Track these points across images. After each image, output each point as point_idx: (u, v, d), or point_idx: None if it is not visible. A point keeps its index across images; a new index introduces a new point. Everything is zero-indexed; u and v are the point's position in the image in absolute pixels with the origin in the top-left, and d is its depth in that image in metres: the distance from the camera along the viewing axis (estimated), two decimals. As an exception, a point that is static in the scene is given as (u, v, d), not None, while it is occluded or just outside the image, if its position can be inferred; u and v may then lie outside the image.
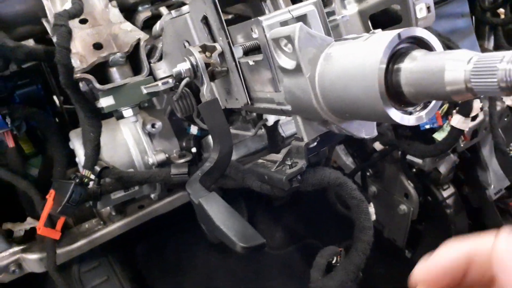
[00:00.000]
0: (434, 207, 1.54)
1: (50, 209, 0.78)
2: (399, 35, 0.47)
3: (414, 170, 1.51)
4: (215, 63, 0.72)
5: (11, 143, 1.06)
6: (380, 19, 0.99)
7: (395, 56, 0.47)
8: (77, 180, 0.78)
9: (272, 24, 0.63)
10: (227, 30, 0.70)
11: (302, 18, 0.64)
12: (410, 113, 0.49)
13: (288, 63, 0.58)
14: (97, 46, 0.85)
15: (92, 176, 0.81)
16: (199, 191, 0.65)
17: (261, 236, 0.56)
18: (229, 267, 1.85)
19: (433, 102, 0.49)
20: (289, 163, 0.66)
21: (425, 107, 0.51)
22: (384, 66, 0.46)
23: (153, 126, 0.98)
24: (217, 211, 0.59)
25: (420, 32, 0.48)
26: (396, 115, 0.47)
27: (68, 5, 0.83)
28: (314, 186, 0.67)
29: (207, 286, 1.80)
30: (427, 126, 1.33)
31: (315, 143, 0.66)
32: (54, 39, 0.86)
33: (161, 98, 1.09)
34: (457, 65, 0.41)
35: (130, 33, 0.84)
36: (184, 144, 1.07)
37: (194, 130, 1.04)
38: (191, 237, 1.84)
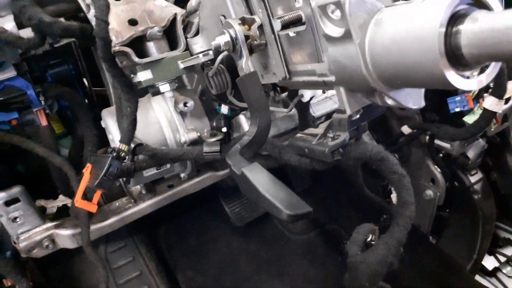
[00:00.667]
0: (461, 193, 1.52)
1: (88, 182, 0.79)
2: (459, -4, 0.45)
3: (441, 155, 1.48)
4: (254, 36, 0.71)
5: (44, 122, 1.08)
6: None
7: (454, 18, 0.46)
8: (114, 154, 0.78)
9: (317, -8, 0.61)
10: (267, 2, 0.70)
11: (347, -13, 0.63)
12: (467, 77, 0.48)
13: (335, 30, 0.57)
14: (132, 22, 0.84)
15: (128, 151, 0.81)
16: (240, 162, 0.65)
17: (307, 204, 0.56)
18: (251, 250, 1.86)
19: (492, 64, 0.48)
20: (331, 136, 0.65)
21: (481, 72, 0.49)
22: (444, 29, 0.45)
23: (185, 104, 0.98)
24: (261, 180, 0.58)
25: (480, -8, 0.47)
26: (455, 79, 0.46)
27: (104, -19, 0.83)
28: (355, 159, 0.66)
29: (228, 268, 1.81)
30: (457, 109, 1.31)
31: (358, 116, 0.65)
32: (91, 14, 0.86)
33: (192, 78, 1.09)
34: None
35: (165, 8, 0.84)
36: (214, 124, 1.07)
37: (224, 109, 1.04)
38: (213, 219, 1.85)
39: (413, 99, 0.60)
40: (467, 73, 0.48)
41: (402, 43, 0.49)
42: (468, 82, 0.47)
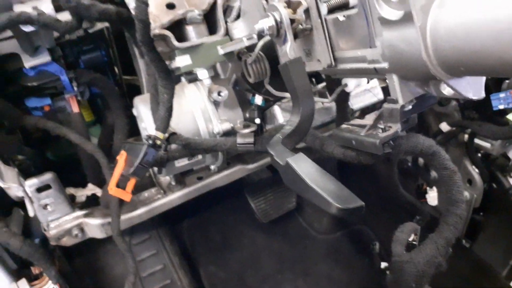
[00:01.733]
0: (499, 195, 1.45)
1: (123, 169, 0.77)
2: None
3: (479, 154, 1.42)
4: (300, 20, 0.67)
5: (76, 108, 1.07)
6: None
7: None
8: (150, 142, 0.76)
9: (372, -28, 0.57)
10: (314, -16, 0.66)
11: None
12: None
13: (392, 13, 0.53)
14: (170, 6, 0.82)
15: (164, 139, 0.79)
16: (283, 152, 0.61)
17: (358, 198, 0.52)
18: (274, 248, 1.83)
19: None
20: (382, 127, 0.61)
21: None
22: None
23: (219, 94, 0.96)
24: (308, 171, 0.55)
25: None
26: (536, 63, 0.42)
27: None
28: (406, 153, 0.62)
29: (251, 266, 1.78)
30: (501, 107, 1.23)
31: (410, 106, 0.61)
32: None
33: (225, 67, 1.06)
34: None
35: (204, -8, 0.81)
36: (247, 115, 1.04)
37: (258, 100, 1.00)
38: (237, 215, 1.83)
39: (473, 89, 0.56)
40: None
41: (471, 26, 0.45)
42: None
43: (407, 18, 0.51)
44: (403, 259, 0.64)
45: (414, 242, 0.73)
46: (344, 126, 0.68)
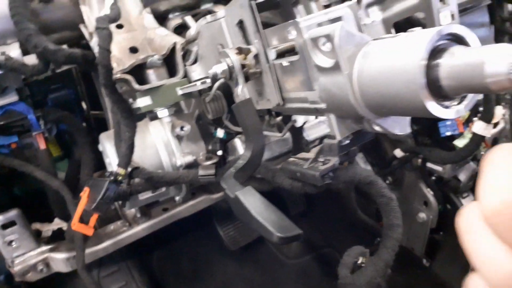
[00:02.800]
0: (453, 216, 1.53)
1: (85, 205, 0.80)
2: (439, 32, 0.49)
3: (433, 178, 1.51)
4: (250, 65, 0.74)
5: (42, 145, 1.10)
6: (404, 27, 1.02)
7: (435, 52, 0.49)
8: (112, 178, 0.80)
9: (309, 25, 0.65)
10: (262, 33, 0.73)
11: (337, 20, 0.67)
12: (447, 107, 0.51)
13: (325, 61, 0.61)
14: (133, 50, 0.88)
15: (125, 175, 0.83)
16: (234, 185, 0.67)
17: (297, 227, 0.58)
18: (245, 275, 1.85)
19: (471, 95, 0.51)
20: (322, 160, 0.67)
21: (460, 101, 0.52)
22: (425, 62, 0.48)
23: (182, 129, 1.01)
24: (254, 204, 0.60)
25: (458, 29, 0.51)
26: (435, 108, 0.49)
27: (106, 11, 0.87)
28: (345, 183, 0.69)
29: (223, 294, 1.80)
30: (448, 133, 1.35)
31: (348, 141, 0.68)
32: (93, 42, 0.90)
33: (189, 102, 1.12)
34: (498, 58, 0.43)
35: (166, 37, 0.88)
36: (210, 147, 1.09)
37: (220, 133, 1.06)
38: (207, 243, 1.85)
39: (399, 126, 0.63)
40: (446, 103, 0.51)
41: (387, 75, 0.52)
42: (447, 111, 0.50)
43: (337, 67, 0.59)
44: (346, 281, 0.70)
45: (363, 265, 0.79)
46: (291, 159, 0.75)
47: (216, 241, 1.82)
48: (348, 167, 0.68)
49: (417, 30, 0.54)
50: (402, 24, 1.07)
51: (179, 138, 1.03)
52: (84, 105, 1.32)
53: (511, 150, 0.34)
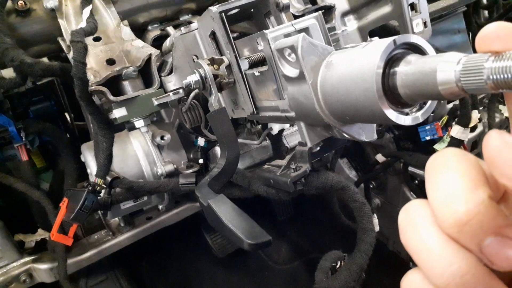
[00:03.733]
0: (437, 219, 1.55)
1: (64, 216, 0.81)
2: (394, 41, 0.51)
3: (416, 181, 1.53)
4: (223, 75, 0.76)
5: (24, 157, 1.10)
6: (379, 34, 1.04)
7: (391, 61, 0.51)
8: (90, 188, 0.81)
9: (276, 36, 0.67)
10: (234, 44, 0.75)
11: (305, 31, 0.68)
12: (407, 114, 0.53)
13: (291, 71, 0.62)
14: (110, 62, 0.89)
15: (104, 185, 0.84)
16: (207, 194, 0.68)
17: (267, 234, 0.59)
18: (235, 281, 1.86)
19: (429, 103, 0.53)
20: (293, 167, 0.69)
21: (420, 108, 0.54)
22: (381, 70, 0.50)
23: (162, 138, 1.02)
24: (225, 211, 0.62)
25: (413, 38, 0.52)
26: (393, 115, 0.51)
27: (83, 24, 0.88)
28: (317, 189, 0.70)
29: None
30: (428, 138, 1.36)
31: (318, 148, 0.69)
32: (70, 55, 0.91)
33: (170, 112, 1.13)
34: (447, 66, 0.45)
35: (141, 49, 0.89)
36: (191, 156, 1.10)
37: (201, 142, 1.08)
38: (196, 251, 1.85)
39: (366, 132, 0.65)
40: (406, 110, 0.53)
41: (347, 83, 0.54)
42: (406, 118, 0.52)
43: (302, 76, 0.60)
44: (321, 285, 0.71)
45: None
46: (265, 166, 0.76)
47: (204, 249, 1.82)
48: (320, 173, 0.70)
49: (375, 39, 0.56)
50: (378, 32, 1.10)
51: (160, 147, 1.04)
52: (67, 116, 1.33)
53: (455, 155, 0.35)
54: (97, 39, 0.95)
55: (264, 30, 0.68)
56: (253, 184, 0.79)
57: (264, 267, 1.93)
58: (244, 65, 0.75)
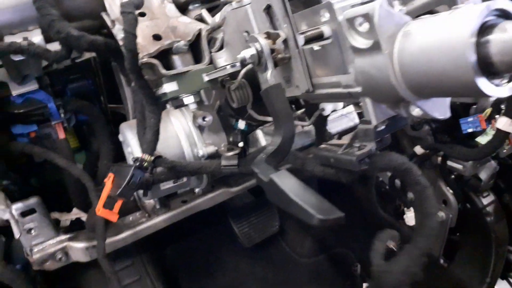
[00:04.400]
0: (473, 215, 1.51)
1: (109, 191, 0.79)
2: (488, 7, 0.48)
3: (453, 176, 1.48)
4: (279, 50, 0.73)
5: (62, 135, 1.09)
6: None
7: (483, 28, 0.48)
8: (138, 164, 0.79)
9: (343, 6, 0.64)
10: (292, 17, 0.72)
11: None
12: (497, 85, 0.49)
13: (362, 42, 0.59)
14: (157, 37, 0.87)
15: (151, 161, 0.82)
16: (267, 169, 0.65)
17: (339, 210, 0.56)
18: (258, 273, 1.83)
19: (520, 73, 0.49)
20: (357, 146, 0.66)
21: (510, 80, 0.51)
22: (475, 38, 0.47)
23: (203, 119, 0.99)
24: (291, 186, 0.59)
25: (506, 4, 0.49)
26: (486, 86, 0.47)
27: (128, -1, 0.86)
28: (381, 169, 0.67)
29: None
30: (470, 130, 1.32)
31: (383, 127, 0.66)
32: (116, 29, 0.89)
33: (209, 94, 1.11)
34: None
35: (190, 24, 0.87)
36: (231, 139, 1.08)
37: (241, 125, 1.05)
38: (221, 240, 1.84)
39: (439, 109, 0.61)
40: (496, 81, 0.50)
41: (432, 53, 0.51)
42: (499, 89, 0.48)
43: (376, 47, 0.57)
44: (380, 269, 0.68)
45: (395, 249, 0.77)
46: (323, 145, 0.73)
47: (229, 238, 1.80)
48: (383, 153, 0.67)
49: (461, 6, 0.53)
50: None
51: (201, 128, 1.02)
52: (102, 98, 1.31)
53: None
54: (142, 15, 0.93)
55: (330, 1, 0.65)
56: (308, 164, 0.76)
57: (288, 260, 1.90)
58: (301, 40, 0.72)
